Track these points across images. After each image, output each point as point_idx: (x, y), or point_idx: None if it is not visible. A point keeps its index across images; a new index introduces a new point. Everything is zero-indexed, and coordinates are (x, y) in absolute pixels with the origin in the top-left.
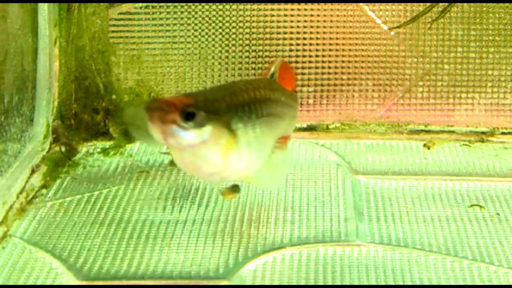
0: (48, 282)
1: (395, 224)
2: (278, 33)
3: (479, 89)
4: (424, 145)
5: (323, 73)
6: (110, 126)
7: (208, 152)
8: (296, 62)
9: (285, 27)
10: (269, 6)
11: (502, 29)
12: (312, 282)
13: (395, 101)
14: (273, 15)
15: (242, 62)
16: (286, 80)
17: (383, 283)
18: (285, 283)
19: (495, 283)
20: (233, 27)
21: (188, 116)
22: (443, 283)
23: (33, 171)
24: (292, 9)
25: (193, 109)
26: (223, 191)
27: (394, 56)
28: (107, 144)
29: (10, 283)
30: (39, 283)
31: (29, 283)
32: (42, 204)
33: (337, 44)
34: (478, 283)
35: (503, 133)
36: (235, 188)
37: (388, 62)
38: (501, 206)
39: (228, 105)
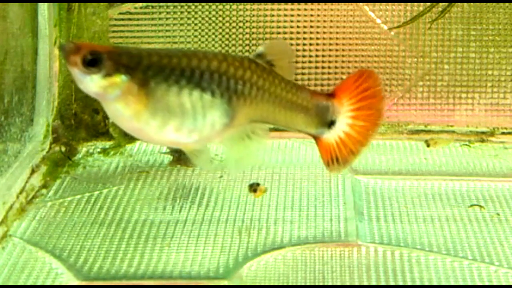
0: (48, 282)
1: (395, 224)
2: (278, 33)
3: (479, 89)
4: (426, 141)
5: (323, 73)
6: (110, 126)
7: (115, 106)
8: (296, 62)
9: (285, 27)
10: (269, 6)
11: (502, 29)
12: (312, 282)
13: (395, 101)
14: (273, 15)
15: None
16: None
17: (383, 283)
18: (285, 283)
19: (495, 283)
20: (233, 27)
21: (90, 62)
22: (443, 283)
23: (33, 171)
24: (292, 9)
25: (96, 56)
26: (253, 188)
27: (394, 56)
28: (107, 144)
29: (10, 283)
30: (39, 283)
31: (29, 283)
32: (42, 204)
33: (337, 44)
34: (478, 283)
35: (503, 133)
36: (256, 186)
37: (388, 62)
38: (501, 206)
39: (153, 64)
